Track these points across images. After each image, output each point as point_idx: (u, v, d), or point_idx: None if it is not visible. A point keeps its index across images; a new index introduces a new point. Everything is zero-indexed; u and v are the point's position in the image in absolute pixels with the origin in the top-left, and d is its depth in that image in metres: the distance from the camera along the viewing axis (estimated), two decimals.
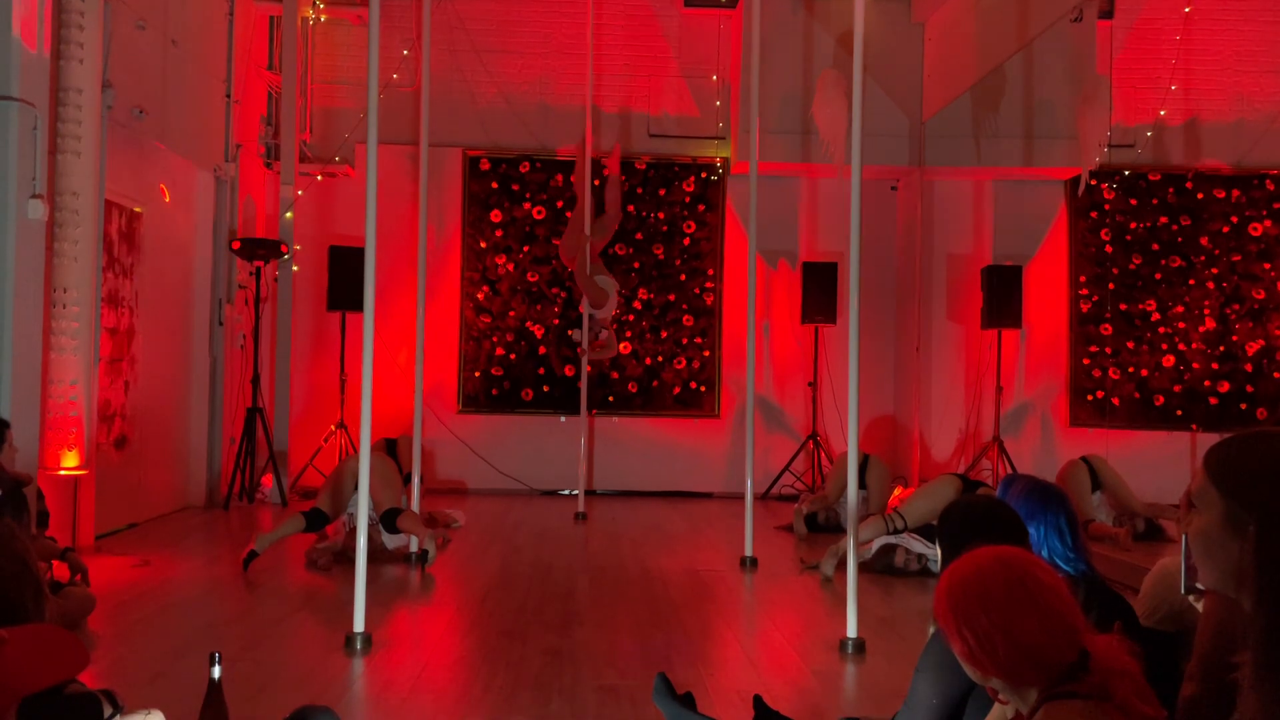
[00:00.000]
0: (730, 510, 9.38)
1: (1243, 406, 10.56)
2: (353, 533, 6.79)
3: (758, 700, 3.13)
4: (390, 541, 6.88)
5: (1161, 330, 10.74)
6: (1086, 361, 10.77)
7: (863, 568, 6.61)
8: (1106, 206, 10.77)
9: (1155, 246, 10.76)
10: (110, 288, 7.65)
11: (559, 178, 10.78)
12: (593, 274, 9.36)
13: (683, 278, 10.85)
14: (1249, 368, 10.60)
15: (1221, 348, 10.64)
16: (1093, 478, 7.73)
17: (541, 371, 10.75)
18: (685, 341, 10.83)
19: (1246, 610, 1.48)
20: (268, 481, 9.43)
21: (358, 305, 9.14)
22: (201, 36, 8.96)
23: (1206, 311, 10.70)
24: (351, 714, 3.90)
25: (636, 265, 10.82)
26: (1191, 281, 10.73)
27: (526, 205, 10.77)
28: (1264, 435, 1.56)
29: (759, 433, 9.52)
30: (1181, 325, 10.71)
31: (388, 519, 6.73)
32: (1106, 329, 10.74)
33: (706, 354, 10.83)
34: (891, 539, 6.73)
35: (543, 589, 6.25)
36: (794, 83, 10.33)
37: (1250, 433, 1.59)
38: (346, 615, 4.84)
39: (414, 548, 6.85)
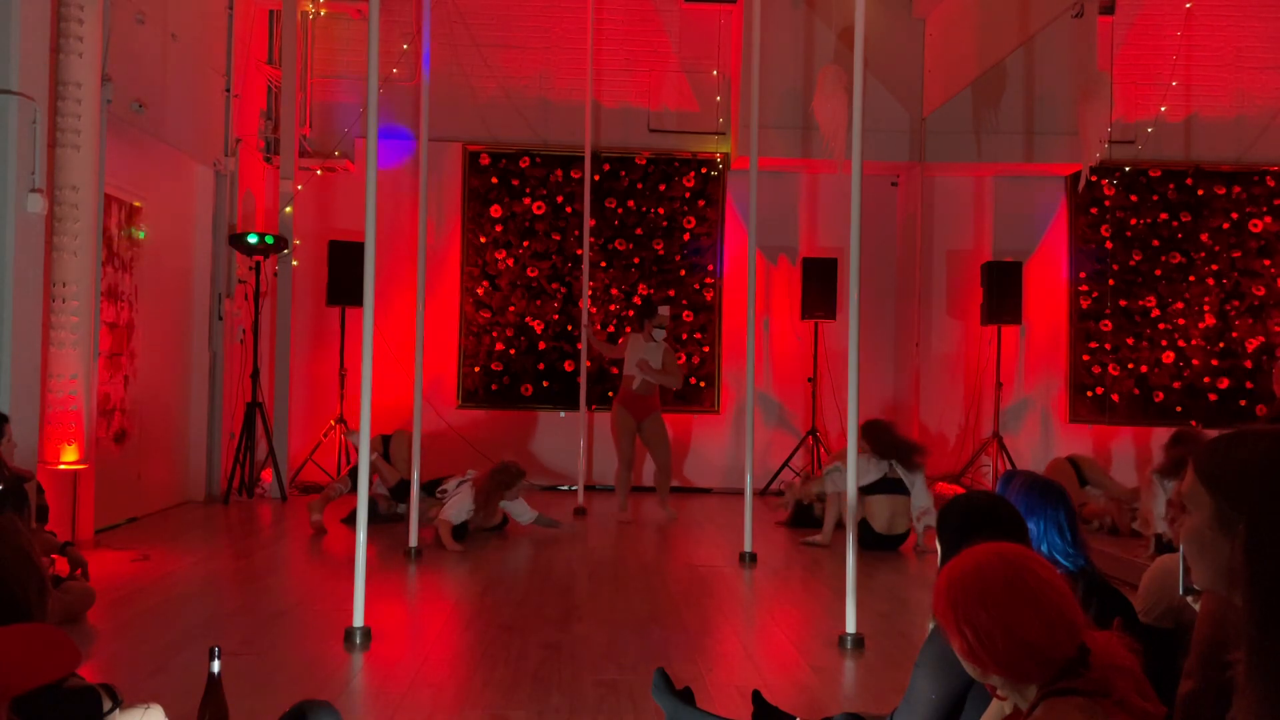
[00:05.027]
0: (729, 506, 9.39)
1: (1242, 403, 10.56)
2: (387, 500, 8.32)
3: (756, 696, 3.13)
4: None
5: (1161, 326, 10.74)
6: (1086, 358, 10.78)
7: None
8: (1107, 202, 10.77)
9: (1155, 243, 10.76)
10: (110, 282, 7.64)
11: (559, 173, 10.78)
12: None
13: (682, 273, 10.85)
14: (1249, 364, 10.61)
15: (1221, 344, 10.64)
16: (1079, 477, 7.83)
17: (541, 367, 10.75)
18: (685, 337, 10.82)
19: (1239, 608, 1.48)
20: (267, 476, 9.44)
21: (357, 300, 9.16)
22: (201, 30, 8.95)
23: (1206, 308, 10.70)
24: (351, 708, 3.90)
25: (636, 261, 10.82)
26: (1191, 278, 10.73)
27: (526, 200, 10.76)
28: (1251, 434, 1.57)
29: (758, 428, 9.52)
30: (1181, 321, 10.71)
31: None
32: (1106, 325, 10.74)
33: (706, 350, 10.83)
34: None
35: (542, 584, 6.26)
36: (794, 78, 10.32)
37: (1237, 432, 1.59)
38: (346, 609, 4.84)
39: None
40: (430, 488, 7.79)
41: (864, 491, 7.56)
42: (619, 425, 8.84)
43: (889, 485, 7.54)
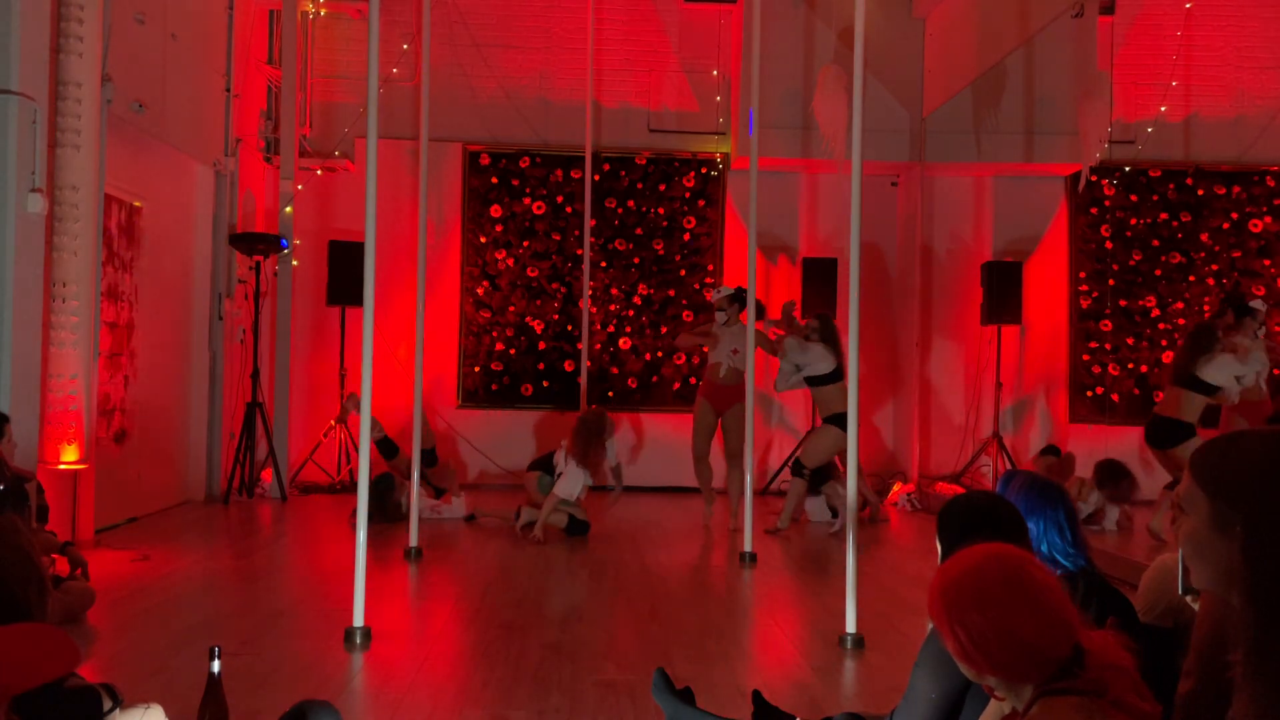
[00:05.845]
0: (729, 506, 9.36)
1: None
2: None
3: (757, 695, 3.13)
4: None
5: (1161, 326, 10.74)
6: (1086, 357, 10.78)
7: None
8: (1107, 202, 10.77)
9: (1155, 243, 10.76)
10: (110, 282, 7.65)
11: (559, 173, 10.78)
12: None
13: (682, 273, 10.85)
14: None
15: None
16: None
17: (541, 367, 10.76)
18: None
19: (1237, 608, 1.49)
20: (267, 476, 9.43)
21: (357, 300, 9.16)
22: (201, 30, 8.95)
23: (1206, 308, 10.69)
24: (351, 708, 3.90)
25: (636, 260, 10.82)
26: (1191, 278, 10.73)
27: (526, 200, 10.76)
28: (1246, 435, 1.58)
29: (758, 429, 9.51)
30: (1181, 321, 10.71)
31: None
32: (1106, 325, 10.74)
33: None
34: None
35: (542, 583, 6.26)
36: (794, 78, 10.32)
37: (1233, 433, 1.60)
38: (346, 609, 4.85)
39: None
40: (545, 469, 8.06)
41: (821, 381, 8.04)
42: (698, 418, 8.51)
43: (843, 373, 7.96)
